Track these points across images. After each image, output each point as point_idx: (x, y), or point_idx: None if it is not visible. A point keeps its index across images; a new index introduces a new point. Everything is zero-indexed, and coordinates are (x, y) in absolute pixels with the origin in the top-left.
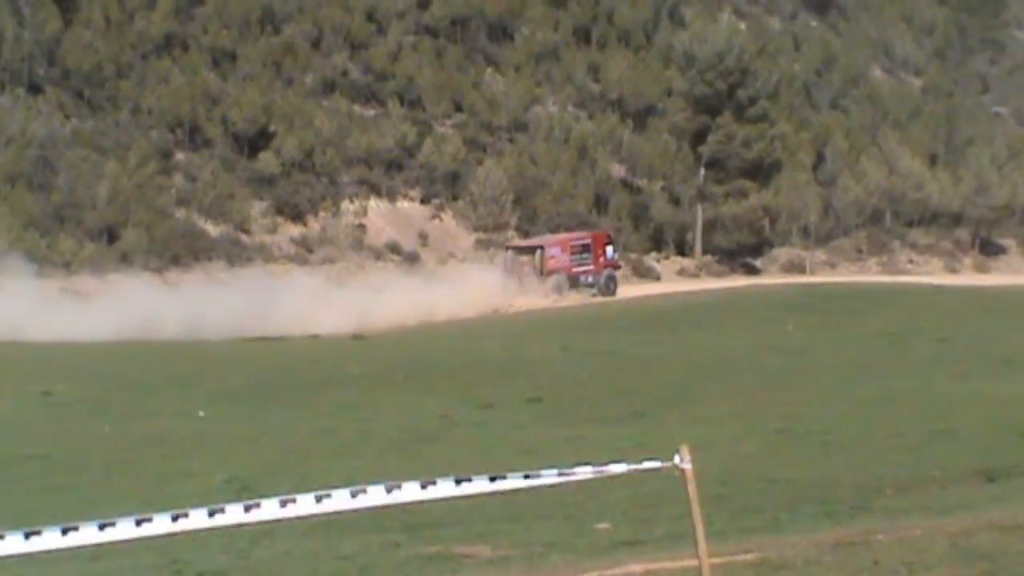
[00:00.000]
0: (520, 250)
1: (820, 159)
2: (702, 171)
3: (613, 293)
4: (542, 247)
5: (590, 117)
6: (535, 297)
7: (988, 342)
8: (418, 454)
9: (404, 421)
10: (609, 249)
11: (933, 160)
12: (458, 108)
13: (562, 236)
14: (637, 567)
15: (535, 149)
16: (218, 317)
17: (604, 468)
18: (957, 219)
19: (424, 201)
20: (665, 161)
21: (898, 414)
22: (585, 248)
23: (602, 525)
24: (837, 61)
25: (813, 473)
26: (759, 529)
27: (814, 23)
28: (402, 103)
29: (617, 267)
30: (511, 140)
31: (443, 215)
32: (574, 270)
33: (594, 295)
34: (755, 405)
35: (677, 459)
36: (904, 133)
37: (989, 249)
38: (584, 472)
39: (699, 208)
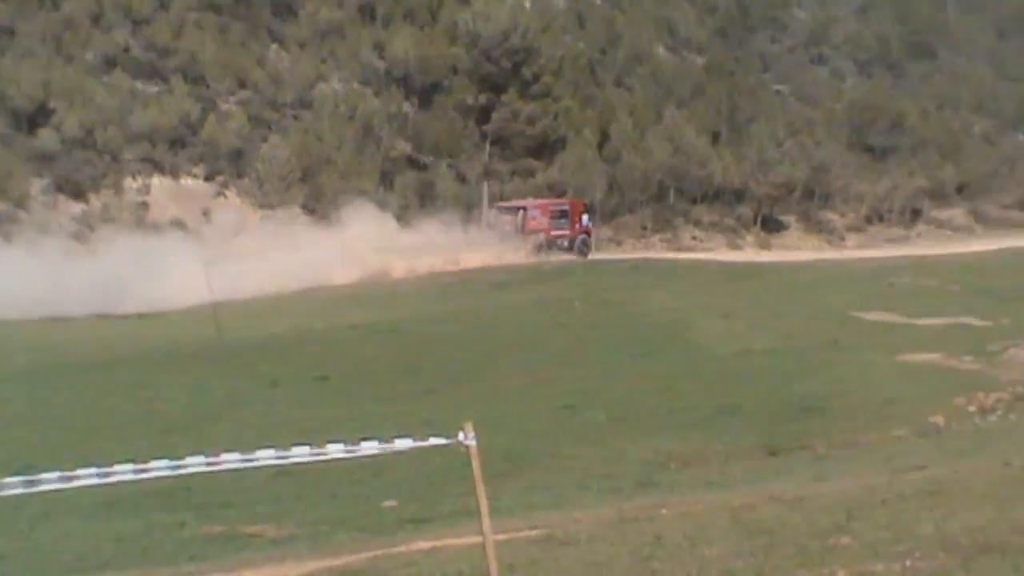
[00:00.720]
0: (504, 209)
1: (605, 136)
2: (488, 148)
3: (586, 256)
4: (524, 208)
5: (376, 94)
6: (516, 254)
7: (769, 318)
8: (202, 434)
9: (188, 400)
10: (584, 217)
11: (716, 138)
12: (242, 85)
13: (544, 200)
14: (423, 544)
15: (320, 126)
16: (81, 291)
17: (389, 444)
18: (740, 196)
19: (208, 178)
20: (451, 139)
21: (683, 390)
22: (563, 214)
23: (388, 503)
24: (621, 39)
25: (599, 449)
26: (545, 505)
27: (598, 1)
28: (185, 80)
29: (589, 233)
30: (296, 117)
31: (227, 192)
32: (552, 233)
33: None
34: (542, 382)
35: (462, 436)
36: (688, 111)
37: (771, 226)
38: (369, 447)
39: (485, 186)
